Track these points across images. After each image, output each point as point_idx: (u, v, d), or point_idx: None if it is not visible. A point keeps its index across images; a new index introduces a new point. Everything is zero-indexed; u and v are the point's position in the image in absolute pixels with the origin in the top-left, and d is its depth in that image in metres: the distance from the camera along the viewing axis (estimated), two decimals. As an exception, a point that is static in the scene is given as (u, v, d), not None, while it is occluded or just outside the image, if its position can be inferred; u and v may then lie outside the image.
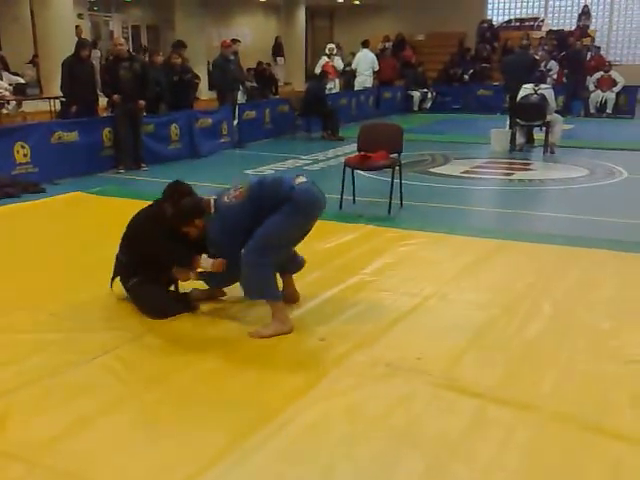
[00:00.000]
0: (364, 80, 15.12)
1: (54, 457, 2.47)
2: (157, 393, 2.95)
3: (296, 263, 4.00)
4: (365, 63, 15.07)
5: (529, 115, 9.83)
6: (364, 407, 2.82)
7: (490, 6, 21.66)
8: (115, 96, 8.44)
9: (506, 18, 21.42)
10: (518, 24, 20.32)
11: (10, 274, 4.52)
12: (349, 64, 16.06)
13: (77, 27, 13.37)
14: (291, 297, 3.95)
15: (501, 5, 21.77)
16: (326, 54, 14.78)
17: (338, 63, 15.40)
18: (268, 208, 3.49)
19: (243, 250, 3.48)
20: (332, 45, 15.10)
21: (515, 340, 3.49)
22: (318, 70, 13.99)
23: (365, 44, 15.30)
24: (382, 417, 2.74)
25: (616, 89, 15.20)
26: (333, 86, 14.34)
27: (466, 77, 17.72)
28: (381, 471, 2.40)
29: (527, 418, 2.74)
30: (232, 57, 11.12)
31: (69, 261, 4.79)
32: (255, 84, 15.70)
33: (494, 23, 20.44)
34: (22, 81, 12.19)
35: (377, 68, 15.27)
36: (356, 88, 15.17)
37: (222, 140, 10.50)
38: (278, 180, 3.68)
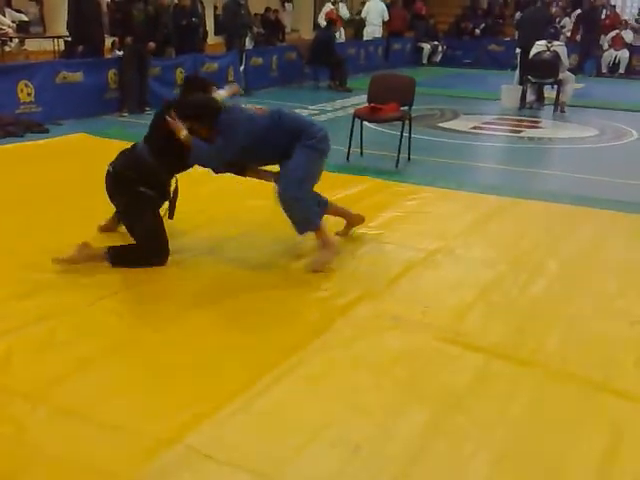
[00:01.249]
0: (373, 30, 14.82)
1: (59, 395, 2.48)
2: (162, 337, 2.95)
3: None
4: (375, 12, 14.74)
5: (541, 72, 9.66)
6: (369, 358, 2.83)
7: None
8: (128, 38, 8.26)
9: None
10: (534, -22, 19.78)
11: (11, 213, 4.48)
12: (359, 13, 15.71)
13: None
14: (357, 219, 4.30)
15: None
16: (330, 1, 14.40)
17: (344, 11, 15.03)
18: (284, 135, 3.69)
19: (279, 188, 3.69)
20: None
21: (521, 297, 3.48)
22: (322, 18, 13.68)
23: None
24: (387, 368, 2.75)
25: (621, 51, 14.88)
26: (339, 36, 14.02)
27: (477, 31, 17.38)
28: (386, 420, 2.41)
29: (531, 374, 2.74)
30: (242, 1, 10.86)
31: (72, 202, 4.74)
32: (262, 30, 15.39)
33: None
34: (25, 18, 11.90)
35: (387, 18, 14.94)
36: (365, 38, 14.89)
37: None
38: (297, 113, 3.90)
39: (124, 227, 3.93)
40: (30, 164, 5.91)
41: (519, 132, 8.45)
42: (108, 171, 3.74)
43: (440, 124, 8.69)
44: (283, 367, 2.70)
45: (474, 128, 8.49)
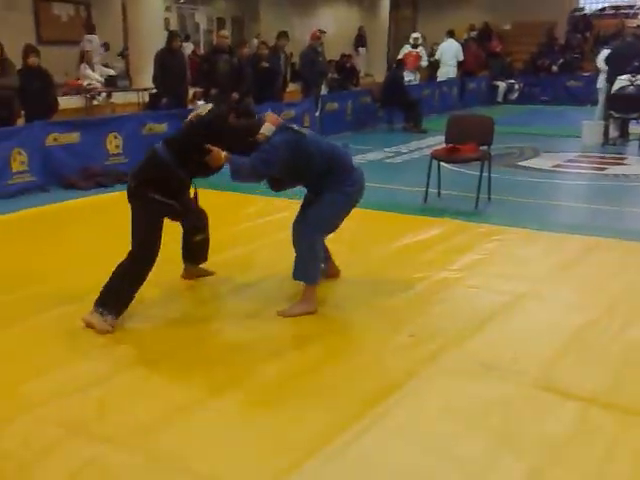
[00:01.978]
0: (448, 71, 14.82)
1: (153, 443, 2.52)
2: (249, 386, 2.96)
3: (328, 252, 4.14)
4: (450, 53, 14.76)
5: (625, 107, 9.38)
6: (459, 406, 2.75)
7: (583, -6, 20.84)
8: (212, 89, 8.56)
9: (599, 6, 20.54)
10: (613, 12, 19.45)
11: (97, 261, 4.64)
12: (432, 54, 15.78)
13: (165, 20, 13.69)
14: (333, 272, 4.20)
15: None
16: (410, 43, 14.49)
17: (422, 54, 15.12)
18: (325, 167, 3.66)
19: (301, 224, 3.75)
20: (417, 34, 14.77)
21: (616, 342, 3.33)
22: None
23: (450, 33, 14.99)
24: (479, 417, 2.67)
25: None
26: (413, 78, 14.08)
27: (555, 68, 17.11)
28: (480, 472, 2.33)
29: (635, 424, 2.61)
30: (319, 49, 11.09)
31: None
32: (336, 75, 15.66)
33: (586, 11, 19.63)
34: (112, 73, 12.59)
35: (462, 58, 14.94)
36: (439, 79, 14.90)
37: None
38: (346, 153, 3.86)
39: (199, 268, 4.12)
40: (119, 213, 6.14)
41: (603, 169, 8.20)
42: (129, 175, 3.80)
43: (520, 163, 8.54)
44: (371, 415, 2.66)
45: (555, 166, 8.30)
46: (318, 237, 3.78)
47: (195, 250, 4.16)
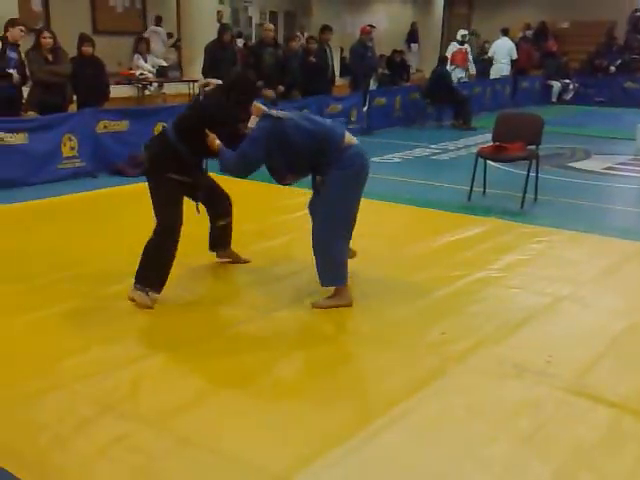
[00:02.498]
0: (500, 68, 14.56)
1: (181, 425, 2.55)
2: (277, 373, 2.98)
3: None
4: (503, 51, 14.50)
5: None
6: (488, 407, 2.71)
7: (645, -7, 20.17)
8: (259, 82, 8.61)
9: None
10: (675, 13, 18.77)
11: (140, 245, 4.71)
12: (485, 52, 15.52)
13: (218, 12, 13.80)
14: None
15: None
16: (457, 40, 14.25)
17: (468, 51, 14.80)
18: (318, 149, 3.53)
19: (313, 232, 3.63)
20: (464, 31, 14.51)
21: (657, 351, 3.22)
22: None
23: (504, 32, 14.73)
24: (507, 419, 2.62)
25: None
26: (464, 75, 13.84)
27: (612, 68, 16.65)
28: (505, 475, 2.29)
29: (669, 436, 2.52)
30: (369, 44, 11.05)
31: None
32: (387, 71, 15.56)
33: (647, 11, 19.00)
34: (164, 64, 12.76)
35: (515, 57, 14.66)
36: (492, 77, 14.66)
37: (350, 126, 10.44)
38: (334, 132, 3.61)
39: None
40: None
41: (657, 173, 7.95)
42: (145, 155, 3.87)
43: (570, 164, 8.34)
44: (395, 412, 2.64)
45: (607, 169, 8.08)
46: (330, 238, 3.62)
47: (218, 236, 4.22)
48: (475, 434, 2.52)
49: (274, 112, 3.62)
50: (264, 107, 3.66)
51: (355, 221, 3.70)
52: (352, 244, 3.85)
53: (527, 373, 2.97)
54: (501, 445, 2.46)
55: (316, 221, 3.68)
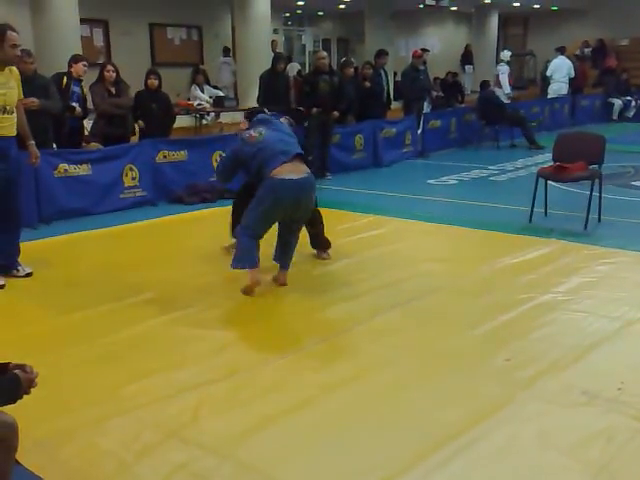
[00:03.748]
0: (559, 87, 14.31)
1: (243, 452, 2.54)
2: (338, 399, 2.94)
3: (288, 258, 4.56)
4: (562, 70, 14.27)
5: None
6: (557, 436, 2.61)
7: None
8: (315, 109, 8.71)
9: None
10: None
11: (205, 272, 4.78)
12: (545, 69, 15.31)
13: (273, 42, 14.07)
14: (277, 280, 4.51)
15: None
16: (502, 60, 14.05)
17: (503, 71, 14.57)
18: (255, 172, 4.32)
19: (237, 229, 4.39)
20: (507, 52, 14.31)
21: None
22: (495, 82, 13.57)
23: (561, 50, 14.51)
24: (577, 449, 2.51)
25: None
26: (509, 95, 13.58)
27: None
28: (577, 509, 2.18)
29: None
30: (422, 67, 11.05)
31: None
32: (441, 93, 15.50)
33: None
34: (221, 94, 13.04)
35: (573, 75, 14.41)
36: (550, 96, 14.42)
37: (405, 150, 10.45)
38: (267, 159, 4.23)
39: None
40: (222, 226, 6.33)
41: None
42: None
43: (634, 183, 8.09)
44: (462, 441, 2.57)
45: (673, 187, 7.80)
46: (247, 229, 4.26)
47: (311, 238, 5.03)
48: (545, 464, 2.42)
49: (245, 134, 4.40)
50: (244, 127, 4.53)
51: (269, 227, 4.33)
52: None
53: (597, 400, 2.86)
54: (572, 475, 2.36)
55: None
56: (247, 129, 4.45)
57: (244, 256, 4.24)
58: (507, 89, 13.72)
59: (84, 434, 2.68)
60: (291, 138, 4.45)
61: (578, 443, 2.54)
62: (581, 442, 2.55)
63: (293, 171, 4.16)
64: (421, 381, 3.11)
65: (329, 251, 5.03)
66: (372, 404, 2.90)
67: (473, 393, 2.97)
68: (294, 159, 4.23)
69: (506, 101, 13.18)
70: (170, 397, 2.95)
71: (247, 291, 4.24)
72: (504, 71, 13.92)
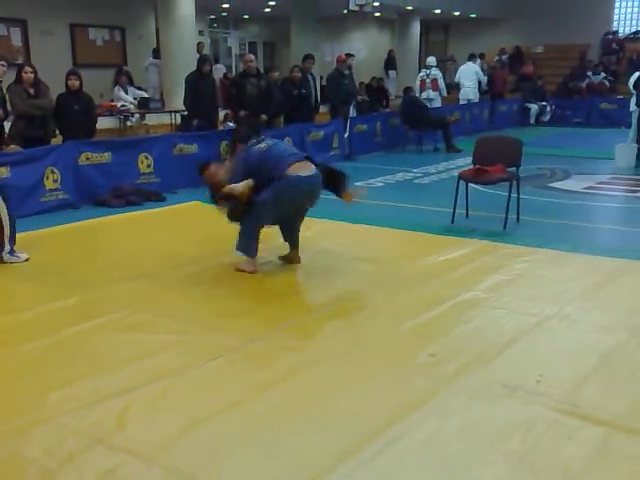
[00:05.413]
0: (466, 93, 14.76)
1: (170, 457, 2.52)
2: (266, 400, 2.95)
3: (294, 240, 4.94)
4: (467, 75, 14.74)
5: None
6: (479, 428, 2.70)
7: (616, 17, 20.64)
8: (242, 112, 8.68)
9: (633, 29, 20.37)
10: (646, 35, 19.27)
11: (132, 276, 4.70)
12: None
13: (199, 44, 13.93)
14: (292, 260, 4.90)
15: (628, 16, 20.70)
16: (431, 65, 14.40)
17: (440, 82, 14.93)
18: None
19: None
20: (431, 58, 14.70)
21: (645, 367, 3.24)
22: (418, 82, 13.87)
23: (471, 57, 14.99)
24: (498, 440, 2.61)
25: None
26: (434, 98, 13.90)
27: (582, 85, 16.93)
28: (498, 497, 2.27)
29: (660, 452, 2.52)
30: (347, 72, 11.19)
31: (183, 267, 4.92)
32: (367, 97, 15.74)
33: (620, 35, 19.48)
34: (146, 95, 12.82)
35: (483, 79, 14.83)
36: (461, 101, 14.87)
37: (332, 153, 10.56)
38: (277, 162, 4.52)
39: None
40: (147, 231, 6.24)
41: (635, 192, 8.07)
42: None
43: (551, 184, 8.45)
44: (387, 437, 2.62)
45: (587, 188, 8.19)
46: (257, 220, 4.55)
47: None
48: (467, 456, 2.51)
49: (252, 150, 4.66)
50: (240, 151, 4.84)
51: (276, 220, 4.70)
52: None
53: (517, 393, 2.97)
54: (494, 467, 2.45)
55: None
56: (251, 145, 4.71)
57: (247, 244, 4.61)
58: (444, 91, 14.05)
59: (7, 443, 2.60)
60: (294, 147, 4.99)
61: (499, 435, 2.64)
62: (502, 434, 2.65)
63: (304, 168, 4.53)
64: (348, 379, 3.15)
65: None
66: (299, 405, 2.92)
67: (399, 389, 3.04)
68: (303, 160, 4.62)
69: (438, 105, 13.51)
70: (96, 403, 2.89)
71: (242, 270, 4.63)
72: (440, 75, 14.23)
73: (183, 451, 2.55)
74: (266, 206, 4.49)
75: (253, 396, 2.98)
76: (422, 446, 2.58)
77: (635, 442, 2.59)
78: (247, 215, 4.53)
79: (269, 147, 4.64)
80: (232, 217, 4.65)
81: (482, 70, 15.17)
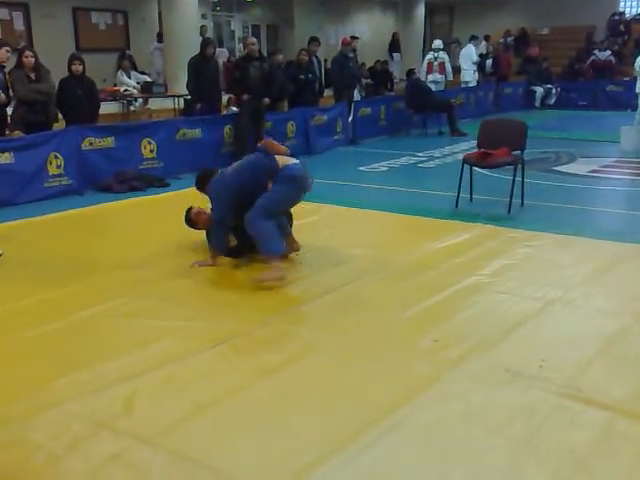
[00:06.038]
0: (463, 75, 14.69)
1: (176, 441, 2.54)
2: (270, 385, 2.97)
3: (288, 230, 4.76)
4: (465, 57, 14.65)
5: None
6: (482, 413, 2.71)
7: (623, -3, 20.47)
8: (245, 95, 8.65)
9: None
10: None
11: (136, 263, 4.71)
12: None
13: (202, 27, 13.85)
14: (292, 247, 4.73)
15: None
16: (439, 48, 14.34)
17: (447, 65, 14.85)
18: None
19: (247, 218, 4.23)
20: (439, 41, 14.61)
21: (648, 351, 3.24)
22: (425, 65, 13.78)
23: (471, 39, 14.86)
24: (501, 425, 2.62)
25: None
26: (440, 81, 13.83)
27: (585, 65, 16.80)
28: (501, 480, 2.29)
29: (663, 436, 2.53)
30: (351, 54, 11.13)
31: (187, 253, 4.92)
32: (370, 81, 15.66)
33: (627, 16, 19.30)
34: (149, 79, 12.79)
35: (475, 60, 14.69)
36: (461, 84, 14.77)
37: (336, 137, 10.52)
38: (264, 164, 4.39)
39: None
40: (152, 215, 6.25)
41: (641, 175, 8.04)
42: None
43: (555, 168, 8.41)
44: (390, 421, 2.64)
45: (592, 171, 8.15)
46: (266, 218, 4.24)
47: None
48: (471, 441, 2.52)
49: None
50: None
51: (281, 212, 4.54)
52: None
53: (520, 378, 2.98)
54: (497, 451, 2.46)
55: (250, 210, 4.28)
56: (217, 176, 4.60)
57: (272, 241, 4.23)
58: (450, 75, 13.98)
59: (13, 428, 2.62)
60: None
61: (502, 420, 2.65)
62: (505, 419, 2.66)
63: (287, 160, 4.43)
64: (351, 364, 3.17)
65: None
66: (303, 388, 2.94)
67: (402, 374, 3.05)
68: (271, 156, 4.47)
69: (441, 88, 13.43)
70: (101, 388, 2.91)
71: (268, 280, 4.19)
72: (448, 59, 14.10)
73: (188, 435, 2.57)
74: (276, 197, 4.33)
75: (257, 381, 3.00)
76: (425, 431, 2.60)
77: (639, 426, 2.60)
78: (255, 217, 4.25)
79: (235, 167, 4.53)
80: (241, 250, 4.67)
81: (487, 52, 15.06)
